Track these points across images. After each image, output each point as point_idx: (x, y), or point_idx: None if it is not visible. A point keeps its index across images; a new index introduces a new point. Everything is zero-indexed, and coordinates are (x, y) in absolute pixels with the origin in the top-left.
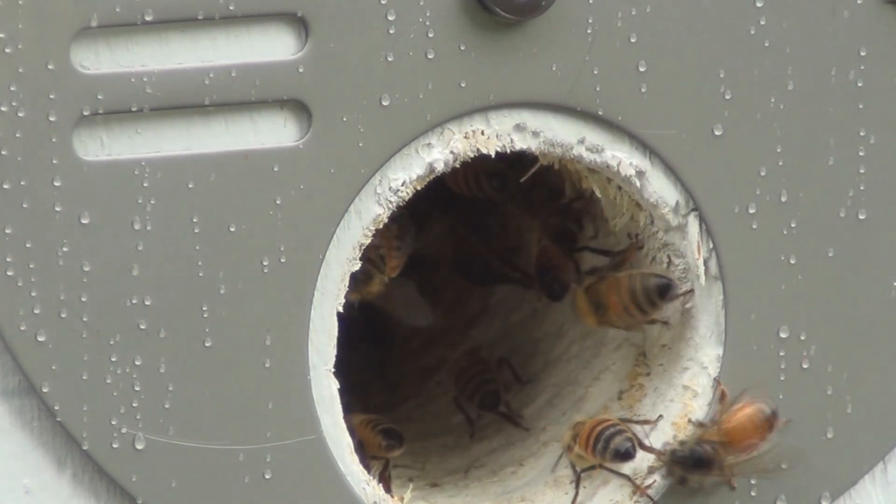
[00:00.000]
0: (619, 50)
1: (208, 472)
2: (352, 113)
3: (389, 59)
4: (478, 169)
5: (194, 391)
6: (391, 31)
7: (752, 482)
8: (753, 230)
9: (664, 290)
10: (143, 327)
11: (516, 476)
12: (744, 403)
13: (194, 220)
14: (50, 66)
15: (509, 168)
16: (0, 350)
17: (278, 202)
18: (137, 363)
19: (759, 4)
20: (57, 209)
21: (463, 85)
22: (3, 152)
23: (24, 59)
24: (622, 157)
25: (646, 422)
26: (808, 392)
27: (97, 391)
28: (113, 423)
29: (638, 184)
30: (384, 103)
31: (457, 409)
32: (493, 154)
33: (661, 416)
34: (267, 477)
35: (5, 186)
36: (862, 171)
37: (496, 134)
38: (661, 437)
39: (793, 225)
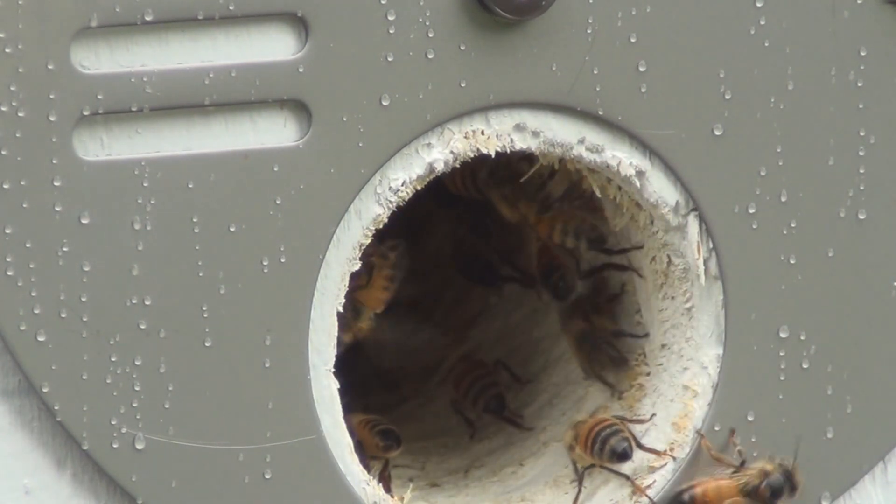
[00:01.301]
0: (619, 50)
1: (208, 472)
2: (352, 113)
3: (389, 59)
4: (475, 168)
5: (194, 391)
6: (391, 31)
7: None
8: (753, 230)
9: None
10: (143, 327)
11: (516, 476)
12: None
13: (194, 220)
14: (50, 66)
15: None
16: (0, 350)
17: (278, 202)
18: (137, 363)
19: (759, 4)
20: (57, 209)
21: (463, 85)
22: (3, 152)
23: (24, 59)
24: (622, 157)
25: (641, 420)
26: (808, 392)
27: (97, 391)
28: (113, 423)
29: (638, 184)
30: (384, 103)
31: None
32: (493, 154)
33: (654, 415)
34: (267, 477)
35: (5, 186)
36: (862, 171)
37: (496, 134)
38: (663, 437)
39: (793, 225)
